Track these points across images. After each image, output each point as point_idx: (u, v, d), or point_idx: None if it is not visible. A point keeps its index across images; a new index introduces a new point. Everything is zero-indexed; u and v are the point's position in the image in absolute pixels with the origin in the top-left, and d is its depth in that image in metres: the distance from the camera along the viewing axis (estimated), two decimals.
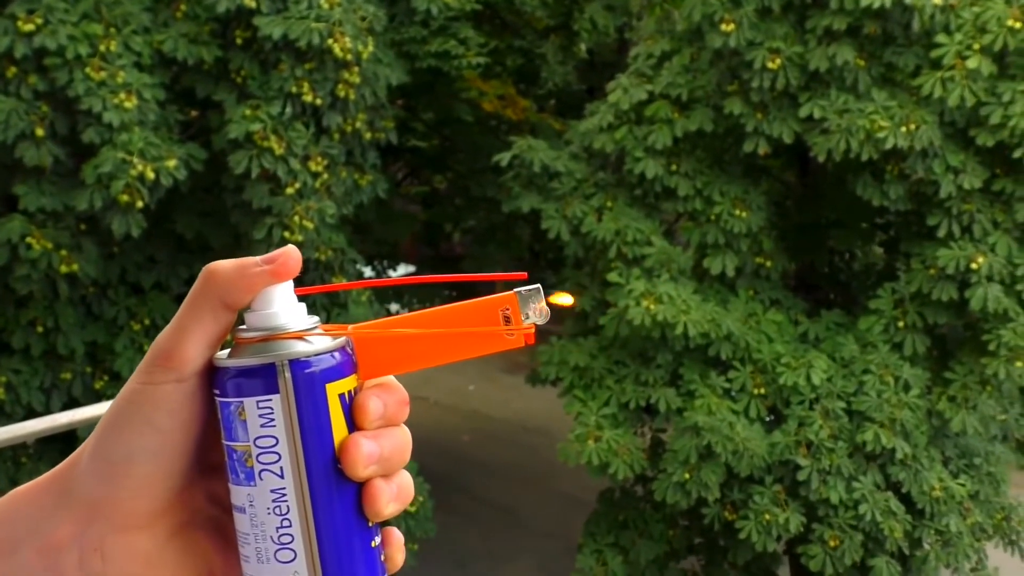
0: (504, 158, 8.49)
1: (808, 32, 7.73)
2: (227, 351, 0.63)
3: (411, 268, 13.50)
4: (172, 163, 6.99)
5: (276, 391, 0.60)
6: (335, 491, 0.62)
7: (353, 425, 0.63)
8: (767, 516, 7.53)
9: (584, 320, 8.55)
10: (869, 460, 7.66)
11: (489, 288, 0.69)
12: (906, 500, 7.65)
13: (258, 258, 0.63)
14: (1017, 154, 7.32)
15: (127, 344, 7.85)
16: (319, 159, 7.68)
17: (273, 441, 0.61)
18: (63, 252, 7.25)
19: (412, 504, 8.39)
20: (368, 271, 11.45)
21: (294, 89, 7.51)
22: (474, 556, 11.64)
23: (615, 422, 7.91)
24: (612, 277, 7.91)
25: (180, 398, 0.62)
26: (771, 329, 8.03)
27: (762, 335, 7.97)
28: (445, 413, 14.84)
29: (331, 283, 8.40)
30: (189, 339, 0.62)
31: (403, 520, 8.42)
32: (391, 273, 12.40)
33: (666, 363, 8.02)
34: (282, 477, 0.61)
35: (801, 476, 7.51)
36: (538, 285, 0.65)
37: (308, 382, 0.61)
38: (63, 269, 7.26)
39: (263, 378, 0.61)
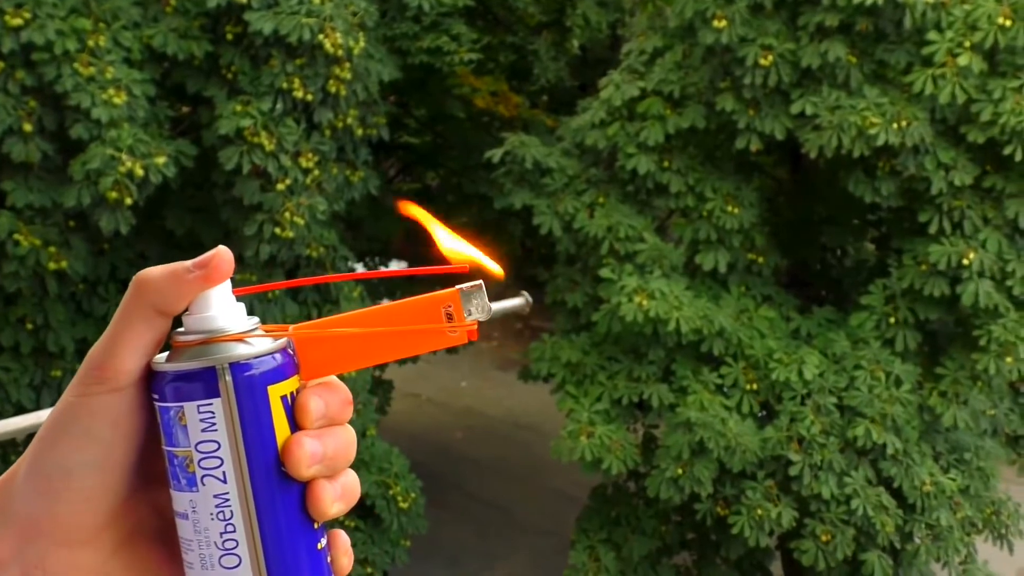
0: (496, 154, 8.48)
1: (800, 29, 7.74)
2: (165, 355, 0.62)
3: (403, 265, 13.47)
4: (162, 160, 6.96)
5: (217, 395, 0.60)
6: (279, 494, 0.61)
7: (296, 426, 0.62)
8: (759, 511, 7.54)
9: (576, 316, 8.55)
10: (860, 455, 7.67)
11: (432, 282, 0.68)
12: (897, 495, 7.67)
13: (189, 262, 0.62)
14: (1007, 151, 7.34)
15: None
16: (310, 155, 7.66)
17: (215, 446, 0.60)
18: (52, 249, 7.22)
19: (404, 501, 8.39)
20: (360, 268, 11.43)
21: (285, 85, 7.49)
22: (467, 553, 11.64)
23: (607, 418, 7.91)
24: (604, 273, 7.91)
25: (119, 408, 0.61)
26: (763, 325, 8.04)
27: (754, 331, 7.98)
28: (437, 410, 14.84)
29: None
30: (123, 349, 0.61)
31: (396, 517, 8.42)
32: (383, 269, 12.38)
33: (658, 359, 8.02)
34: (225, 482, 0.60)
35: (793, 471, 7.52)
36: (480, 282, 0.64)
37: (249, 385, 0.60)
38: (52, 266, 7.23)
39: (203, 382, 0.60)
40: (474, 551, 11.69)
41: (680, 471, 7.54)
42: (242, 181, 7.36)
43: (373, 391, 9.52)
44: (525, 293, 0.71)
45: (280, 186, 7.40)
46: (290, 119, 7.53)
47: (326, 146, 7.87)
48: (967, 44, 7.33)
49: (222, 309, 0.62)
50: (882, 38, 7.82)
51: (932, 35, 7.46)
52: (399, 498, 8.40)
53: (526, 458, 13.38)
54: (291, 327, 0.64)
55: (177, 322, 0.63)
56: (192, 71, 7.73)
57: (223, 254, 0.62)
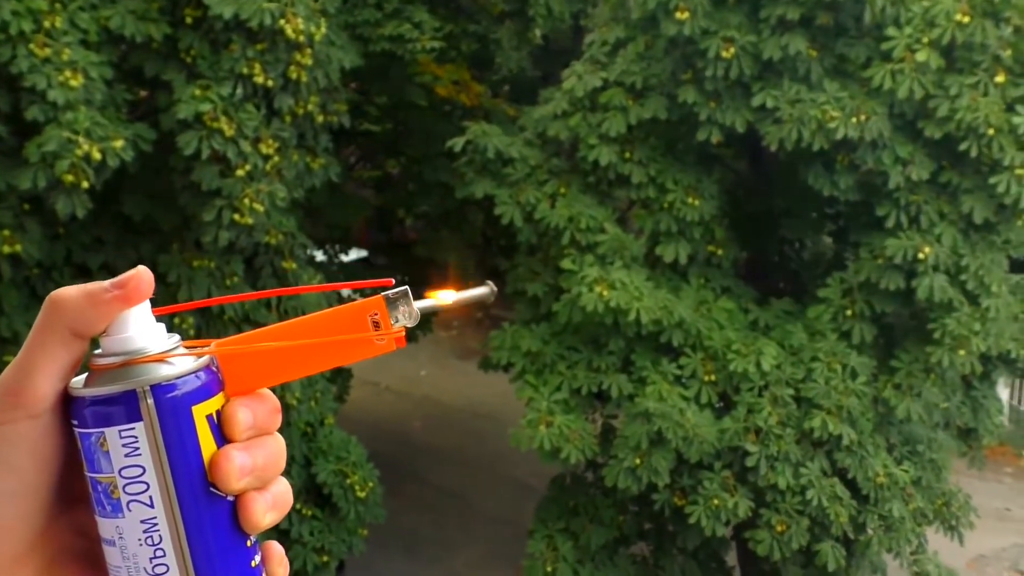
0: (458, 143, 8.45)
1: (762, 22, 7.78)
2: (83, 377, 0.60)
3: (363, 253, 13.41)
4: (119, 143, 6.86)
5: (139, 419, 0.58)
6: (208, 514, 0.59)
7: (223, 441, 0.60)
8: (716, 501, 7.60)
9: (537, 306, 8.55)
10: (816, 446, 7.76)
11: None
12: (851, 486, 7.77)
13: (107, 283, 0.60)
14: (963, 147, 7.43)
15: None
16: (270, 141, 7.58)
17: (140, 471, 0.58)
18: (6, 232, 7.10)
19: (362, 490, 8.37)
20: (319, 255, 11.36)
21: (245, 70, 7.41)
22: (425, 542, 11.63)
23: (567, 408, 7.93)
24: (565, 264, 7.92)
25: (35, 435, 0.59)
26: (722, 317, 8.09)
27: (713, 322, 8.03)
28: (396, 399, 14.81)
29: (281, 268, 8.32)
30: (38, 374, 0.59)
31: (353, 506, 8.39)
32: (343, 257, 12.32)
33: (618, 349, 8.05)
34: (152, 506, 0.59)
35: (750, 462, 7.59)
36: (405, 288, 0.62)
37: (172, 406, 0.58)
38: (6, 250, 7.11)
39: (124, 406, 0.58)
40: (432, 540, 11.69)
41: (638, 461, 7.58)
42: (201, 166, 7.28)
43: (331, 379, 9.48)
44: (490, 282, 0.70)
45: (240, 172, 7.32)
46: (250, 104, 7.46)
47: (286, 132, 7.80)
48: (925, 40, 7.41)
49: (141, 329, 0.60)
50: (842, 32, 7.88)
51: (891, 30, 7.54)
52: (357, 487, 8.37)
53: (485, 447, 13.40)
54: (213, 343, 0.62)
55: (95, 343, 0.61)
56: (150, 54, 7.62)
57: (143, 274, 0.60)
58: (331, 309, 0.63)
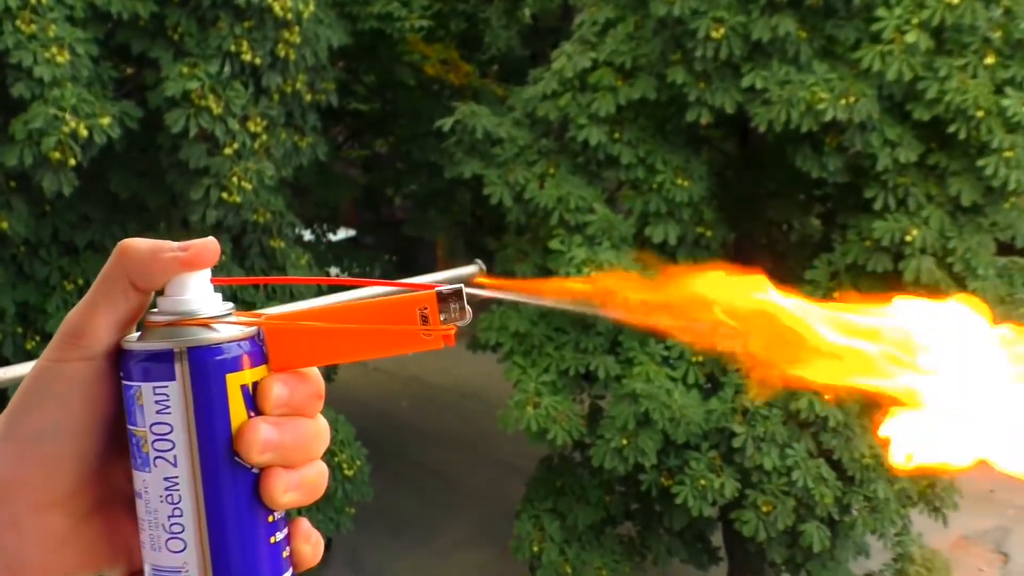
0: (446, 123, 8.42)
1: (751, 2, 7.76)
2: (138, 334, 0.62)
3: (351, 232, 13.39)
4: (106, 120, 6.83)
5: (173, 378, 0.59)
6: (229, 482, 0.60)
7: (256, 414, 0.61)
8: (703, 482, 7.64)
9: None
10: (802, 427, 7.79)
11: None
12: (837, 467, 7.81)
13: (175, 244, 0.62)
14: (951, 129, 7.45)
15: (59, 305, 7.69)
16: (258, 120, 7.56)
17: (168, 428, 0.60)
18: None
19: (349, 468, 8.39)
20: (307, 234, 11.34)
21: (233, 48, 7.37)
22: (412, 522, 11.67)
23: (554, 389, 7.95)
24: (554, 244, 7.92)
25: (89, 377, 0.61)
26: None
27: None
28: (384, 378, 14.81)
29: (269, 246, 8.30)
30: (98, 317, 0.61)
31: (340, 485, 8.41)
32: (331, 236, 12.29)
33: (606, 330, 8.06)
34: (175, 465, 0.60)
35: (736, 443, 7.62)
36: (460, 286, 0.62)
37: (206, 371, 0.60)
38: None
39: (161, 364, 0.60)
40: (419, 519, 11.72)
41: (625, 442, 7.61)
42: (188, 145, 7.25)
43: None
44: (478, 261, 0.70)
45: (227, 150, 7.30)
46: (238, 83, 7.42)
47: (274, 111, 7.77)
48: (915, 21, 7.40)
49: (196, 294, 0.62)
50: (832, 13, 7.87)
51: (881, 11, 7.53)
52: (344, 466, 8.39)
53: (472, 428, 13.43)
54: (264, 316, 0.63)
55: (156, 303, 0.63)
56: (137, 31, 7.57)
57: (209, 243, 0.62)
58: (384, 298, 0.63)
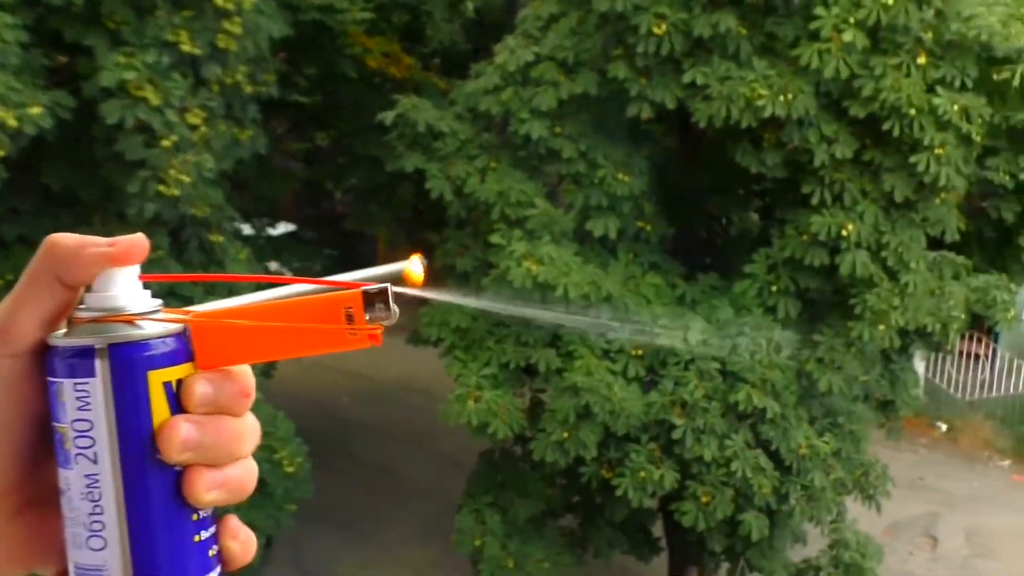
0: (388, 117, 8.38)
1: None
2: (64, 330, 0.62)
3: (291, 227, 13.26)
4: (37, 110, 6.68)
5: (93, 374, 0.59)
6: (150, 480, 0.60)
7: (179, 411, 0.61)
8: (643, 474, 7.69)
9: (466, 281, 8.55)
10: (741, 419, 7.88)
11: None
12: (774, 457, 7.92)
13: (104, 239, 0.61)
14: (886, 126, 7.58)
15: None
16: (197, 111, 7.45)
17: (88, 425, 0.59)
18: None
19: (290, 465, 8.31)
20: (247, 229, 11.20)
21: (171, 38, 7.25)
22: (354, 517, 11.61)
23: (495, 383, 7.95)
24: (494, 238, 7.92)
25: (16, 374, 0.61)
26: (650, 292, 8.17)
27: (641, 297, 8.10)
28: (325, 374, 14.70)
29: (208, 241, 8.19)
30: (24, 314, 0.60)
31: (281, 482, 8.34)
32: (270, 231, 12.17)
33: (546, 324, 8.08)
34: (96, 462, 0.60)
35: (676, 435, 7.69)
36: (386, 285, 0.62)
37: (127, 367, 0.59)
38: None
39: (83, 360, 0.59)
40: (362, 514, 11.67)
41: (566, 435, 7.64)
42: (125, 136, 7.12)
43: None
44: (419, 256, 0.70)
45: (165, 143, 7.18)
46: (176, 73, 7.30)
47: (214, 103, 7.66)
48: (852, 20, 7.52)
49: (123, 291, 0.61)
50: (771, 11, 7.96)
51: (819, 10, 7.63)
52: (285, 463, 8.32)
53: (414, 422, 13.39)
54: (192, 313, 0.63)
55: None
56: (70, 18, 7.41)
57: (138, 240, 0.61)
58: (309, 297, 0.63)
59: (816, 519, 8.20)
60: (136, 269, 0.62)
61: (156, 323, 0.61)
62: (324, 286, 0.64)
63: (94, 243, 0.61)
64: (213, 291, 7.82)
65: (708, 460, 7.68)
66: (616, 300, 7.89)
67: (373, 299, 0.61)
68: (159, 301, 0.62)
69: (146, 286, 0.63)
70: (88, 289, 0.61)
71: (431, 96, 9.63)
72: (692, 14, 7.73)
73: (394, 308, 0.61)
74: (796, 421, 7.96)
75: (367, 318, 0.61)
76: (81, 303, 0.61)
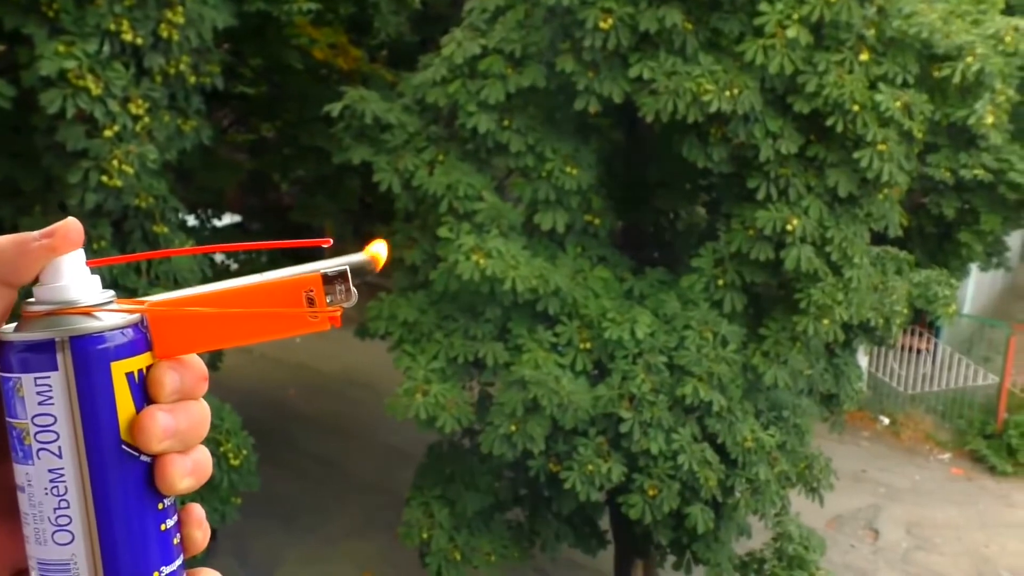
0: (335, 108, 8.32)
1: None
2: (14, 325, 0.61)
3: (236, 218, 13.11)
4: None
5: (55, 368, 0.59)
6: (117, 472, 0.60)
7: (143, 402, 0.61)
8: (590, 467, 7.74)
9: (414, 274, 8.52)
10: (687, 412, 7.96)
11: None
12: (720, 450, 8.00)
13: (36, 232, 0.61)
14: (829, 122, 7.68)
15: None
16: (140, 102, 7.33)
17: (51, 419, 0.59)
18: None
19: (236, 458, 8.24)
20: (192, 220, 11.06)
21: (112, 27, 7.13)
22: (301, 510, 11.54)
23: (444, 376, 7.95)
24: (442, 232, 7.90)
25: None
26: (597, 285, 8.20)
27: (589, 291, 8.14)
28: (271, 366, 14.59)
29: (152, 232, 8.08)
30: None
31: (227, 475, 8.25)
32: (215, 222, 12.03)
33: (495, 318, 8.09)
34: (60, 457, 0.59)
35: (624, 428, 7.75)
36: (345, 267, 0.62)
37: (90, 360, 0.59)
38: None
39: (42, 354, 0.59)
40: (308, 508, 11.60)
41: (514, 428, 7.66)
42: (66, 126, 6.99)
43: None
44: (376, 247, 0.69)
45: (107, 133, 7.06)
46: (118, 63, 7.18)
47: (157, 93, 7.55)
48: (795, 17, 7.60)
49: (73, 280, 0.60)
50: (717, 7, 8.02)
51: (763, 6, 7.71)
52: (230, 455, 8.23)
53: (361, 415, 13.34)
54: (148, 302, 0.62)
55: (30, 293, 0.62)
56: (8, 6, 7.26)
57: (71, 224, 0.61)
58: (267, 280, 0.62)
59: (761, 512, 8.31)
60: (82, 257, 0.62)
61: (114, 314, 0.61)
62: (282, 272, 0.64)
63: (31, 238, 0.60)
64: (158, 282, 7.71)
65: (655, 453, 7.74)
66: (564, 293, 7.91)
67: (333, 281, 0.62)
68: (112, 292, 0.62)
69: (94, 272, 0.62)
70: (35, 282, 0.61)
71: (378, 88, 9.57)
72: (638, 9, 7.76)
73: (353, 290, 0.62)
74: (742, 414, 8.05)
75: (328, 300, 0.61)
76: (30, 296, 0.61)
